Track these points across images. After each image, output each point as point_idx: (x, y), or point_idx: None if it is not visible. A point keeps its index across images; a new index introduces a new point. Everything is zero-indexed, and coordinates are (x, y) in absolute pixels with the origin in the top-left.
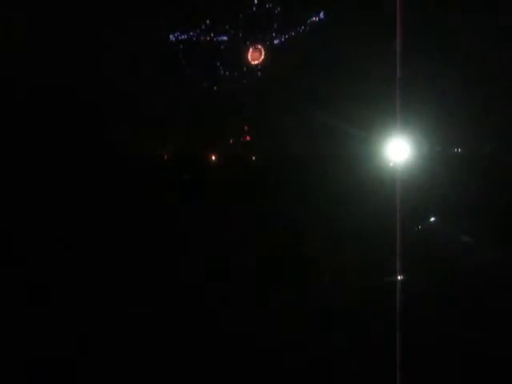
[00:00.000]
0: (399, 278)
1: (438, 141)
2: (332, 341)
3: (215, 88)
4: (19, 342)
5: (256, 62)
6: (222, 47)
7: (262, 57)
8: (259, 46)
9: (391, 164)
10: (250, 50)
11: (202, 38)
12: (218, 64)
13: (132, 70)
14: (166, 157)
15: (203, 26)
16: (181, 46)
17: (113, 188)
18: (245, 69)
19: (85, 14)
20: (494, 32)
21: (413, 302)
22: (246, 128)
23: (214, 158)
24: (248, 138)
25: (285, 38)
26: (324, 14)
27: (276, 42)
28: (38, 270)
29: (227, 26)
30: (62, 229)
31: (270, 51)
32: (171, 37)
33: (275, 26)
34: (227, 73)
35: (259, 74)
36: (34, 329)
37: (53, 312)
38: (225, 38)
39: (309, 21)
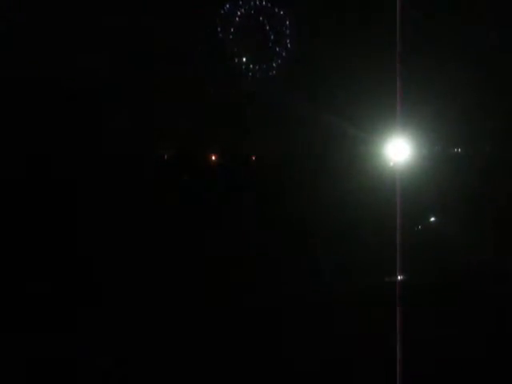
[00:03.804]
0: (399, 277)
1: (438, 140)
2: (332, 340)
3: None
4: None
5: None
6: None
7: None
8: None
9: (391, 164)
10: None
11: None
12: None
13: (134, 65)
14: (166, 157)
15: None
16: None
17: (112, 188)
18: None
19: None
20: (495, 30)
21: (413, 301)
22: (245, 128)
23: (214, 157)
24: (248, 137)
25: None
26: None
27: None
28: (37, 271)
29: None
30: (59, 229)
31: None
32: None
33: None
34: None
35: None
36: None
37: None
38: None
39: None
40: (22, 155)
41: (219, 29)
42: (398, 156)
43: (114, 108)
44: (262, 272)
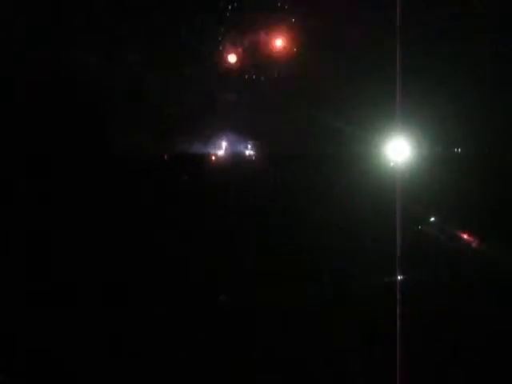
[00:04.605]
0: (399, 278)
1: (438, 141)
2: (331, 340)
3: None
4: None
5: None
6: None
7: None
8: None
9: (391, 164)
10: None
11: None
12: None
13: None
14: (165, 157)
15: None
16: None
17: (111, 188)
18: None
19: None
20: (494, 30)
21: (413, 302)
22: (245, 127)
23: (214, 157)
24: (247, 137)
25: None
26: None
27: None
28: (36, 271)
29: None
30: (59, 229)
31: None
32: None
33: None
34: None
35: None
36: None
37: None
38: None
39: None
40: (22, 155)
41: (218, 27)
42: (398, 156)
43: (113, 108)
44: (261, 272)
